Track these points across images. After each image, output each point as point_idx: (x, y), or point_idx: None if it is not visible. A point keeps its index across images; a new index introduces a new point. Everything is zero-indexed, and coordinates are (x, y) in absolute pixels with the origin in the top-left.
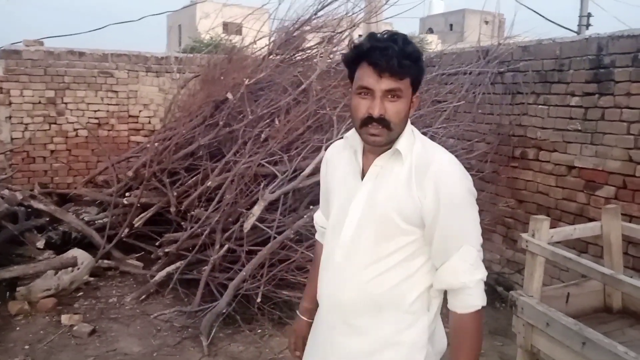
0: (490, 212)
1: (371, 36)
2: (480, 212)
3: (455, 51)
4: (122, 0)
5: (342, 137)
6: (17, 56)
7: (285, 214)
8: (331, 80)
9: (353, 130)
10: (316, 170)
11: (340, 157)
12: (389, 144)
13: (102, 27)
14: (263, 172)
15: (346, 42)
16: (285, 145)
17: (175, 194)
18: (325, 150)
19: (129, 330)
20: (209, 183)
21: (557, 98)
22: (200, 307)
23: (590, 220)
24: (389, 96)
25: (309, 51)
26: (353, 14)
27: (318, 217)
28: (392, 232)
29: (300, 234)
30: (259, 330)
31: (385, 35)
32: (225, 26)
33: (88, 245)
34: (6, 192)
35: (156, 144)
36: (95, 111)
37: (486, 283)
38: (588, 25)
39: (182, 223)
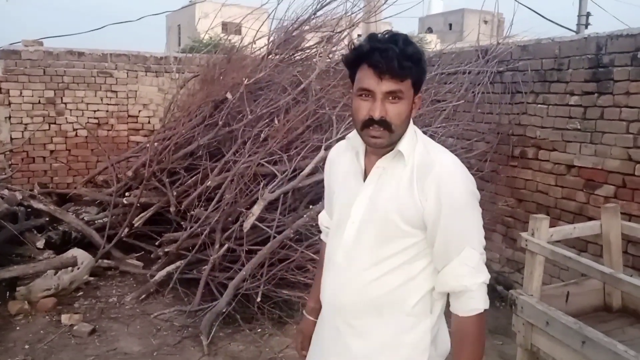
0: (490, 211)
1: (371, 37)
2: (480, 211)
3: (454, 50)
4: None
5: (341, 137)
6: (16, 56)
7: (284, 214)
8: (330, 80)
9: (355, 131)
10: (316, 170)
11: (342, 158)
12: (391, 145)
13: (101, 27)
14: (263, 172)
15: (345, 41)
16: (285, 144)
17: (175, 193)
18: (325, 149)
19: (129, 330)
20: (208, 183)
21: (556, 97)
22: (200, 306)
23: (590, 219)
24: (390, 98)
25: (308, 51)
26: (352, 13)
27: (323, 217)
28: (394, 234)
29: (300, 233)
30: (259, 330)
31: (385, 36)
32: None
33: (88, 245)
34: (6, 192)
35: (156, 144)
36: (94, 111)
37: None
38: (587, 25)
39: (182, 223)
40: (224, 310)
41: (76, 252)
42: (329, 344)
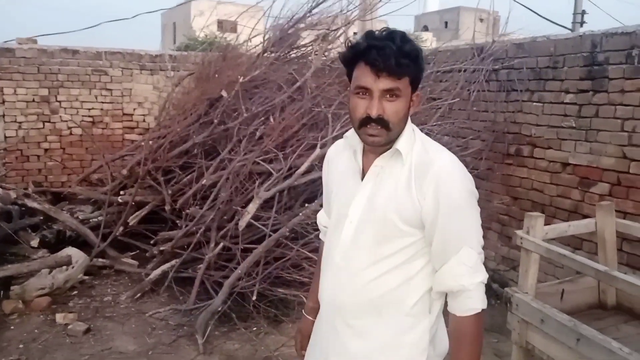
0: (485, 209)
1: (368, 34)
2: (479, 210)
3: (450, 48)
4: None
5: (337, 135)
6: (10, 54)
7: (280, 212)
8: (326, 78)
9: (353, 130)
10: (311, 168)
11: (340, 156)
12: (389, 143)
13: (96, 25)
14: (258, 170)
15: (341, 39)
16: (280, 143)
17: (170, 192)
18: (321, 148)
19: (124, 329)
20: (203, 181)
21: (551, 95)
22: (196, 305)
23: (585, 217)
24: (387, 96)
25: (303, 49)
26: (348, 11)
27: (321, 216)
28: (392, 234)
29: (296, 231)
30: (255, 328)
31: (383, 34)
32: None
33: (83, 244)
34: (0, 190)
35: (150, 142)
36: (89, 109)
37: None
38: (582, 23)
39: (177, 221)
40: (219, 309)
41: (71, 251)
42: (327, 344)
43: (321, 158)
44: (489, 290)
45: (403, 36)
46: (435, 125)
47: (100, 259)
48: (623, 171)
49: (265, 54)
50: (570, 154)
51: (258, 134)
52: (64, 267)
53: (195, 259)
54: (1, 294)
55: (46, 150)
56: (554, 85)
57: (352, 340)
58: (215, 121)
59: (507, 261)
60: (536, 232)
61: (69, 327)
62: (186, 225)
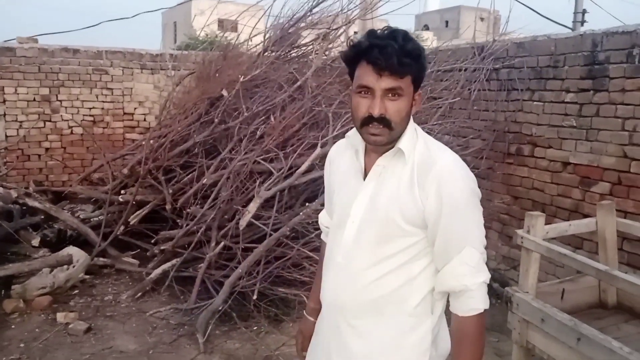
0: (486, 208)
1: (370, 33)
2: (481, 210)
3: (450, 48)
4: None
5: (338, 135)
6: (11, 53)
7: (281, 211)
8: (327, 77)
9: (355, 129)
10: (312, 168)
11: (342, 156)
12: (391, 143)
13: (96, 25)
14: (259, 170)
15: (342, 38)
16: (281, 142)
17: (170, 191)
18: (321, 147)
19: (124, 328)
20: (204, 180)
21: (552, 94)
22: (196, 304)
23: (585, 216)
24: (390, 95)
25: (304, 48)
26: (348, 10)
27: (323, 217)
28: (394, 233)
29: (296, 230)
30: (255, 328)
31: (385, 32)
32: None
33: (83, 243)
34: (1, 190)
35: (151, 142)
36: (90, 108)
37: None
38: (583, 22)
39: (178, 220)
40: (220, 308)
41: (72, 250)
42: (329, 344)
43: (322, 157)
44: (490, 290)
45: (405, 35)
46: (435, 124)
47: (101, 258)
48: (624, 170)
49: (266, 53)
50: (570, 153)
51: (259, 133)
52: (65, 266)
53: (196, 258)
54: (2, 293)
55: (47, 149)
56: (555, 85)
57: (354, 340)
58: (216, 120)
59: (507, 260)
60: (537, 231)
61: (70, 326)
62: (187, 225)
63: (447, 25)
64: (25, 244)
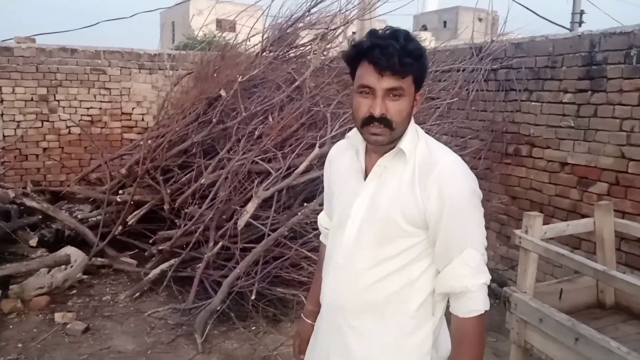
0: (484, 208)
1: (372, 33)
2: (482, 211)
3: (448, 48)
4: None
5: (336, 135)
6: (9, 53)
7: (279, 211)
8: (325, 77)
9: (355, 129)
10: (310, 168)
11: (343, 157)
12: (392, 143)
13: (94, 24)
14: (257, 170)
15: (340, 39)
16: (279, 142)
17: (168, 191)
18: (319, 147)
19: (122, 328)
20: (202, 180)
21: (550, 95)
22: (195, 304)
23: (583, 216)
24: (391, 95)
25: (302, 48)
26: (346, 10)
27: (322, 218)
28: (395, 234)
29: (295, 231)
30: (253, 328)
31: (386, 32)
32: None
33: (81, 243)
34: None
35: (149, 141)
36: (87, 108)
37: None
38: (581, 23)
39: (176, 220)
40: (218, 308)
41: (69, 250)
42: (328, 345)
43: (320, 157)
44: (488, 290)
45: (407, 35)
46: (434, 124)
47: (99, 258)
48: (621, 171)
49: (264, 53)
50: (568, 153)
51: (257, 133)
52: (63, 267)
53: (194, 258)
54: (0, 294)
55: (45, 149)
56: (553, 85)
57: (354, 341)
58: (214, 120)
59: (505, 260)
60: (535, 231)
61: (68, 326)
62: (185, 225)
63: (445, 26)
64: (22, 244)
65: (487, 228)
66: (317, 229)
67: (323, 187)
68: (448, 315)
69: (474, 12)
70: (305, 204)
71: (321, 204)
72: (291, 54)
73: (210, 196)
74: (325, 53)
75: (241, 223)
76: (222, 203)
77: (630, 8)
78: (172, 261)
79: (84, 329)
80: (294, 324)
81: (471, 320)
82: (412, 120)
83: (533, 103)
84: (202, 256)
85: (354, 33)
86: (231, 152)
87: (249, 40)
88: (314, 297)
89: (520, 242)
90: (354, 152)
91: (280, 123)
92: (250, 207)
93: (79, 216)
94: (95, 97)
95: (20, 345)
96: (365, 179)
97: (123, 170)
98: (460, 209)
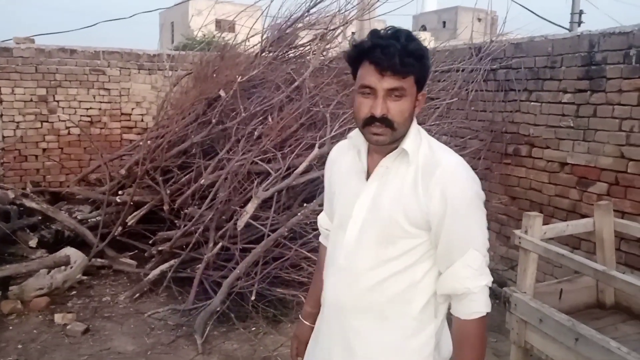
0: (484, 209)
1: (373, 33)
2: (485, 212)
3: (448, 48)
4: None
5: (335, 135)
6: (8, 54)
7: (279, 212)
8: (324, 78)
9: (357, 130)
10: (310, 168)
11: (344, 157)
12: (394, 143)
13: (93, 25)
14: (256, 170)
15: (339, 39)
16: (279, 142)
17: (168, 192)
18: (319, 147)
19: (122, 329)
20: (202, 181)
21: (549, 95)
22: (194, 305)
23: (583, 216)
24: (392, 95)
25: (301, 48)
26: (346, 11)
27: (322, 219)
28: (397, 235)
29: (294, 231)
30: (253, 328)
31: (388, 32)
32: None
33: (81, 244)
34: None
35: (149, 142)
36: (87, 109)
37: None
38: (580, 23)
39: (176, 221)
40: (218, 309)
41: (69, 251)
42: (329, 345)
43: (319, 158)
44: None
45: (408, 35)
46: (433, 125)
47: (98, 259)
48: (621, 171)
49: (264, 54)
50: (568, 153)
51: (256, 133)
52: (63, 267)
53: (193, 259)
54: (0, 294)
55: (44, 150)
56: (552, 85)
57: (356, 342)
58: (214, 121)
59: (505, 261)
60: (534, 231)
61: (68, 327)
62: (185, 225)
63: (444, 26)
64: (22, 245)
65: (486, 228)
66: (317, 229)
67: (323, 188)
68: (449, 316)
69: (473, 12)
70: (305, 205)
71: (321, 205)
72: (290, 55)
73: (210, 197)
74: (324, 53)
75: (241, 224)
76: (221, 204)
77: (630, 8)
78: (172, 262)
79: (84, 330)
80: (294, 324)
81: (473, 322)
82: (415, 121)
83: (532, 103)
84: (202, 257)
85: (353, 33)
86: (231, 153)
87: (249, 41)
88: (312, 298)
89: (520, 242)
90: (356, 153)
91: (280, 123)
92: (250, 207)
93: (79, 217)
94: (94, 97)
95: (20, 346)
96: (367, 180)
97: (122, 171)
98: (463, 210)
